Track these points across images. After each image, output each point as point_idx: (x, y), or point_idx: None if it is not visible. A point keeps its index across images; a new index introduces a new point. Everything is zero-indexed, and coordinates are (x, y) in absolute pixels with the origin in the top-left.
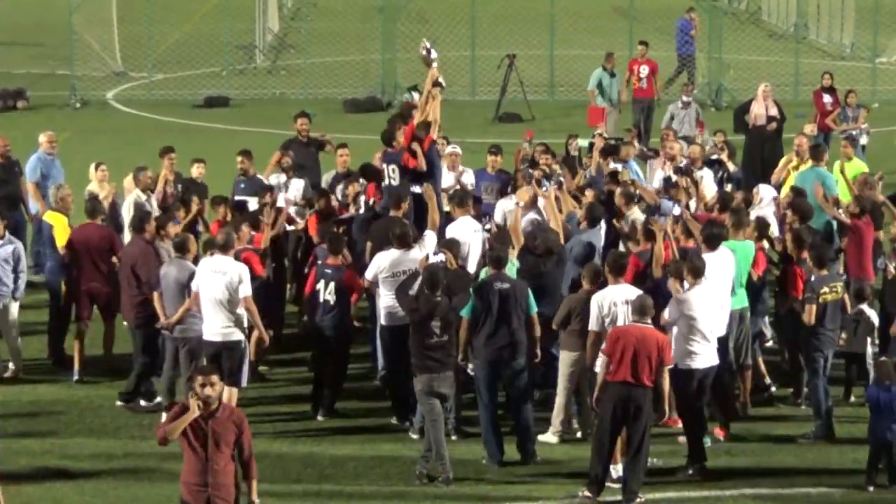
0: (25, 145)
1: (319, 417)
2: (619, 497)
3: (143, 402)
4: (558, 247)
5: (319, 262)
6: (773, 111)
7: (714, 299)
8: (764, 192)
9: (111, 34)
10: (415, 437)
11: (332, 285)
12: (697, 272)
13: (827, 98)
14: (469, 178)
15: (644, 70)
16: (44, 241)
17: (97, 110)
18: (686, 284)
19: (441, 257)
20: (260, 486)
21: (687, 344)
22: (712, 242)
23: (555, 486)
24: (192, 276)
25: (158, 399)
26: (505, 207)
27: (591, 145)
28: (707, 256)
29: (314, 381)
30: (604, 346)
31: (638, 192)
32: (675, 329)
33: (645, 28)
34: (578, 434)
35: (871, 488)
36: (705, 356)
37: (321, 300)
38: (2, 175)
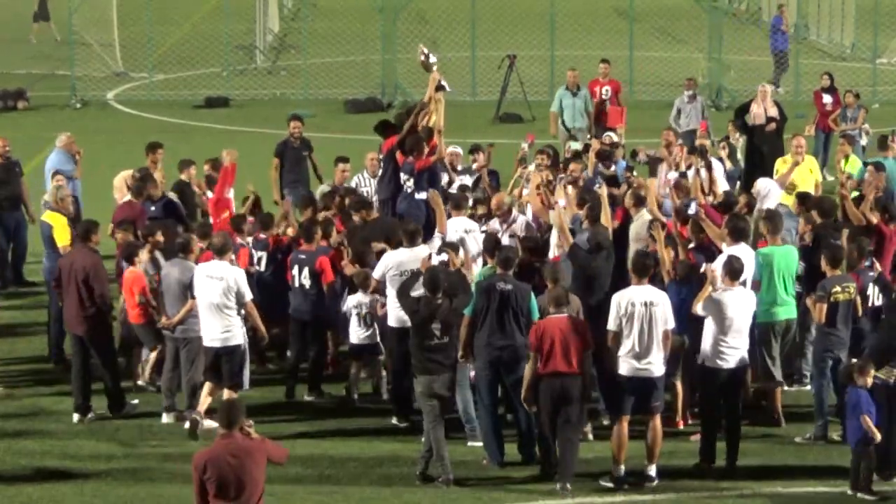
0: (26, 145)
1: (307, 397)
2: (619, 497)
3: (76, 417)
4: (608, 242)
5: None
6: (773, 111)
7: (748, 301)
8: (762, 185)
9: (111, 34)
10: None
11: (306, 270)
12: (735, 274)
13: (827, 98)
14: (465, 178)
15: (606, 91)
16: (43, 241)
17: (97, 111)
18: (722, 285)
19: (444, 257)
20: None
21: (717, 343)
22: (737, 235)
23: (555, 486)
24: (193, 277)
25: (91, 416)
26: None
27: (587, 147)
28: (729, 250)
29: (291, 366)
30: (530, 340)
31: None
32: (706, 326)
33: (645, 28)
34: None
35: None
36: (734, 356)
37: (297, 285)
38: (2, 175)
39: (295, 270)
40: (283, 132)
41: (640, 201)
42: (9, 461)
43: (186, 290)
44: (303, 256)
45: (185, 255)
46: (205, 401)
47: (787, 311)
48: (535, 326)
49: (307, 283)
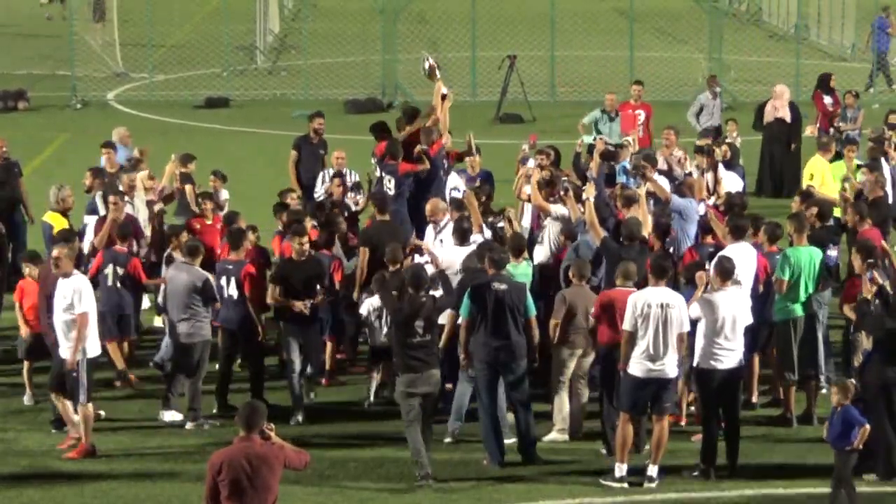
0: (26, 146)
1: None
2: (619, 497)
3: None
4: (640, 233)
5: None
6: (782, 113)
7: (742, 301)
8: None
9: (112, 35)
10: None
11: (233, 280)
12: (726, 274)
13: (827, 99)
14: (455, 180)
15: (640, 115)
16: (45, 241)
17: (98, 111)
18: (713, 285)
19: (426, 258)
20: None
21: (711, 345)
22: (737, 234)
23: (555, 485)
24: (205, 281)
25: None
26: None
27: (591, 147)
28: (730, 248)
29: (220, 375)
30: (593, 310)
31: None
32: (699, 327)
33: (645, 28)
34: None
35: None
36: (729, 357)
37: (225, 296)
38: (1, 176)
39: (223, 280)
40: (284, 132)
41: (629, 202)
42: (9, 461)
43: (192, 294)
44: (230, 266)
45: (193, 258)
46: None
47: (806, 307)
48: (600, 296)
49: (234, 293)
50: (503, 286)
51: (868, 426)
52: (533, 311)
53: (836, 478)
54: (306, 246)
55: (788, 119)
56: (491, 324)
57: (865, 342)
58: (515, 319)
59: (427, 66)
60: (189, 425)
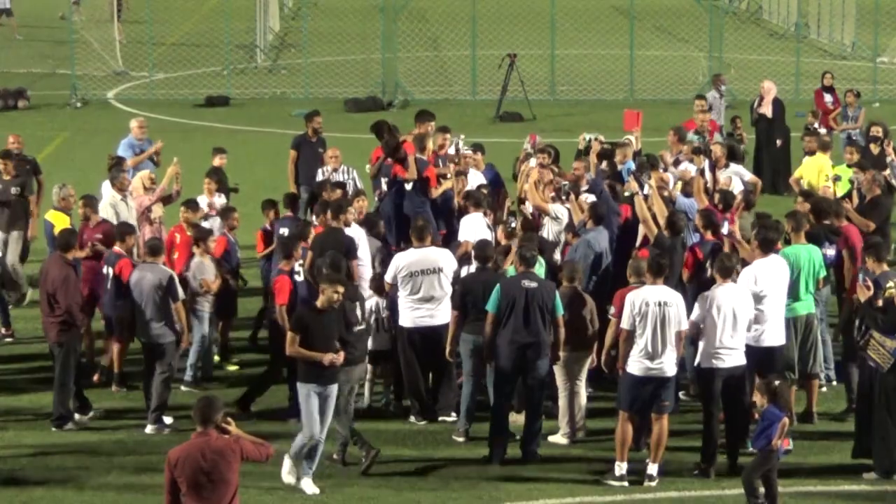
0: (26, 145)
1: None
2: (619, 496)
3: (77, 417)
4: (683, 227)
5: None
6: (764, 110)
7: (743, 299)
8: (726, 176)
9: (111, 34)
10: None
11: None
12: (726, 272)
13: (828, 97)
14: (479, 178)
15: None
16: (47, 240)
17: (98, 110)
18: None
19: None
20: (261, 486)
21: (711, 344)
22: (767, 247)
23: (555, 484)
24: (170, 278)
25: (92, 413)
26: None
27: (588, 148)
28: (759, 262)
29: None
30: (613, 310)
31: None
32: (702, 327)
33: (645, 27)
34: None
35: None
36: (730, 356)
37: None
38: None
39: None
40: (284, 131)
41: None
42: (9, 461)
43: (160, 291)
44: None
45: (155, 257)
46: None
47: (806, 306)
48: (619, 293)
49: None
50: (533, 284)
51: (787, 419)
52: (561, 311)
53: (745, 479)
54: (339, 297)
55: (770, 115)
56: (520, 321)
57: (889, 341)
58: (544, 318)
59: (453, 148)
60: (149, 428)
